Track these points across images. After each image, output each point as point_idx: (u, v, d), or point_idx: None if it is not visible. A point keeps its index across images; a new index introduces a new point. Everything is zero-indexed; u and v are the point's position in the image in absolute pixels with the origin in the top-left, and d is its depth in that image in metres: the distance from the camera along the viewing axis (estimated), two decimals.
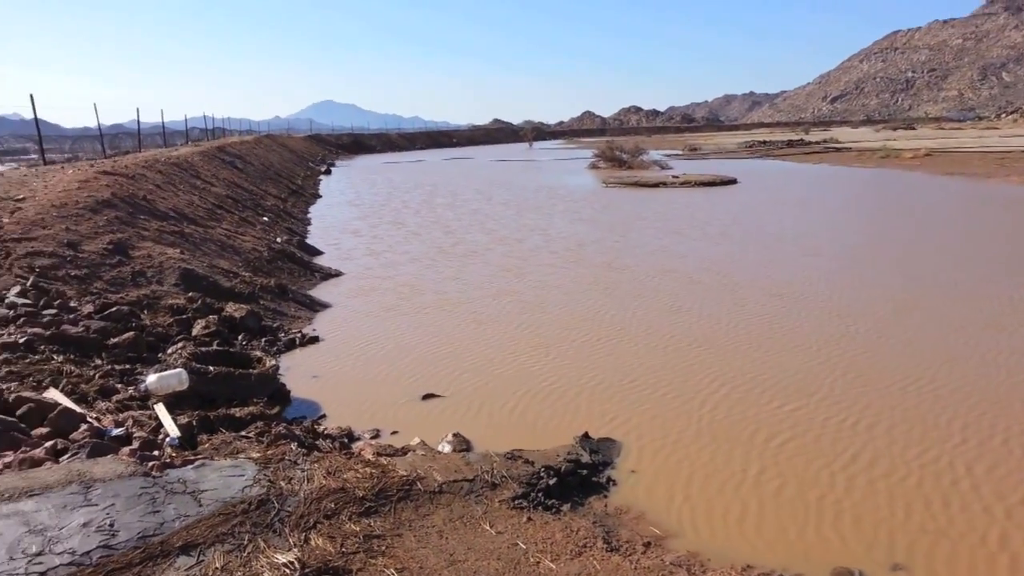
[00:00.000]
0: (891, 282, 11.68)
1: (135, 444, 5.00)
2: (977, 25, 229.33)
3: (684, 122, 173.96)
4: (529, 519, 4.48)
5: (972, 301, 10.32)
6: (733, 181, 30.45)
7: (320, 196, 30.73)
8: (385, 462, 4.93)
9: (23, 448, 4.66)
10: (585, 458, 5.58)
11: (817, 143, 60.43)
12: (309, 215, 23.68)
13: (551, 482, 5.06)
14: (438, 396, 7.27)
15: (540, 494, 4.87)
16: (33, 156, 28.16)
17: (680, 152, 58.64)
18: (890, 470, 5.49)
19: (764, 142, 65.85)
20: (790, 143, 62.11)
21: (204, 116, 49.56)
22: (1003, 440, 5.93)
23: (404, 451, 5.62)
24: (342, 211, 24.90)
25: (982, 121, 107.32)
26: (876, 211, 21.16)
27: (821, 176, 34.32)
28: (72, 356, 6.88)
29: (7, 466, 4.34)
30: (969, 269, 12.40)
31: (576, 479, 5.26)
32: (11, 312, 7.54)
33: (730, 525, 4.83)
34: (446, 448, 5.83)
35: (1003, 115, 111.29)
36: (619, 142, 48.95)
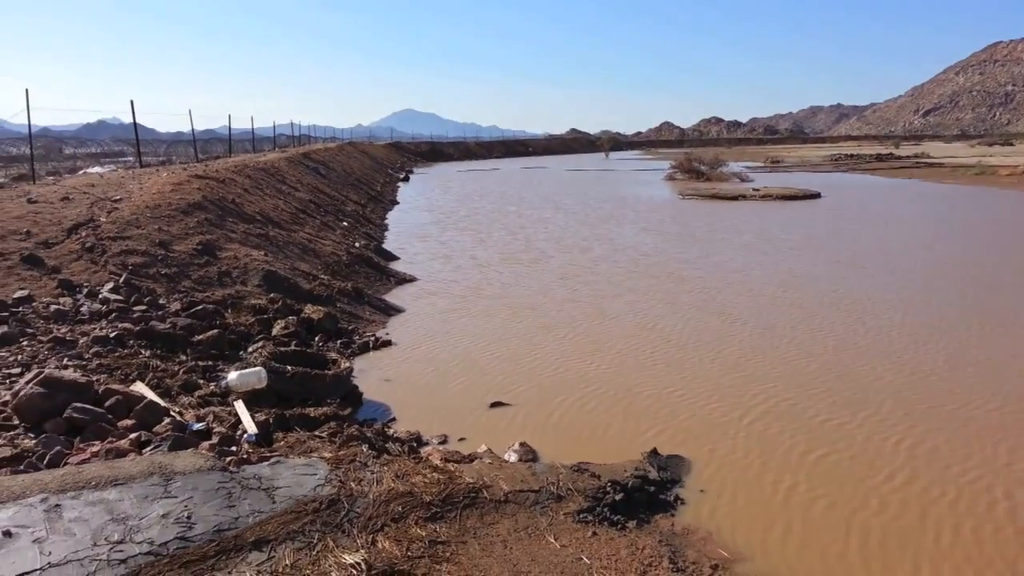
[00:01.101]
0: (964, 303, 11.26)
1: (214, 439, 5.17)
2: None
3: (767, 134, 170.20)
4: (594, 534, 4.44)
5: None
6: (817, 195, 29.59)
7: (397, 202, 31.30)
8: (452, 468, 4.96)
9: (109, 439, 4.88)
10: (653, 475, 5.49)
11: (907, 158, 58.18)
12: (386, 221, 24.15)
13: (617, 497, 4.99)
14: (505, 404, 7.28)
15: (606, 509, 4.82)
16: (130, 159, 29.62)
17: (762, 164, 57.36)
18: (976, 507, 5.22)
19: (851, 156, 63.79)
20: (879, 157, 60.00)
21: (291, 123, 51.25)
22: None
23: (471, 458, 5.65)
24: (418, 217, 25.30)
25: None
26: (963, 230, 20.19)
27: (910, 192, 33.02)
28: (158, 351, 7.20)
29: (94, 455, 4.56)
30: None
31: (643, 496, 5.18)
32: (104, 307, 7.94)
33: (802, 551, 4.67)
34: (512, 457, 5.83)
35: None
36: (697, 153, 48.25)
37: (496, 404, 7.28)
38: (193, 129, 30.16)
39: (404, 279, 13.76)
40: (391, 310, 11.35)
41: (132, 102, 21.72)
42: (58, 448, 4.61)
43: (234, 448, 5.10)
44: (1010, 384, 7.72)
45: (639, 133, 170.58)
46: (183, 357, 7.33)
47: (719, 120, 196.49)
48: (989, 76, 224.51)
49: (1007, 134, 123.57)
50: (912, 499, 5.32)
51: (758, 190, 31.12)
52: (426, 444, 6.28)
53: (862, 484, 5.53)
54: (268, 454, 4.91)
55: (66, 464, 4.39)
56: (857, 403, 7.16)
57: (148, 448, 4.81)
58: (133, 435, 4.95)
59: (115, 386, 5.73)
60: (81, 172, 21.76)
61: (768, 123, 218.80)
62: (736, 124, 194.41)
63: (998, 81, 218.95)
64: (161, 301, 8.67)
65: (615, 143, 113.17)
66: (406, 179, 46.14)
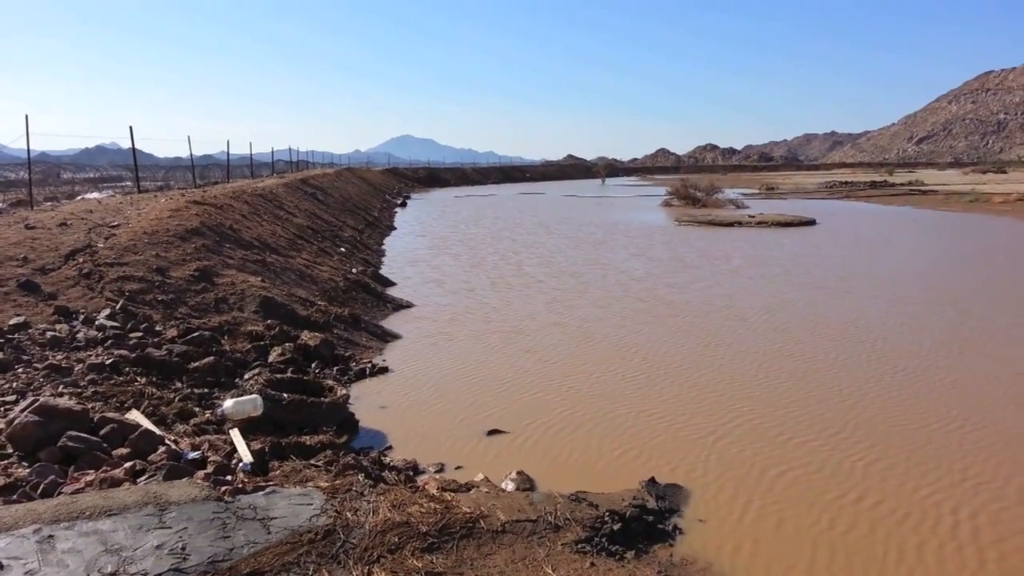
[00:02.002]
0: (941, 329, 11.41)
1: (210, 468, 5.14)
2: None
3: (762, 161, 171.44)
4: (592, 564, 4.40)
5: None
6: (812, 222, 29.75)
7: (395, 228, 31.40)
8: (449, 498, 4.93)
9: (104, 468, 4.85)
10: (651, 504, 5.46)
11: (901, 185, 58.57)
12: (384, 246, 24.19)
13: (616, 527, 4.96)
14: (503, 432, 7.25)
15: (604, 539, 4.78)
16: (128, 184, 29.69)
17: (757, 191, 57.71)
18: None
19: (845, 183, 64.17)
20: (873, 184, 60.34)
21: (289, 149, 51.52)
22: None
23: (468, 487, 5.62)
24: (415, 243, 25.37)
25: None
26: (953, 257, 20.33)
27: (903, 219, 33.20)
28: (154, 379, 7.17)
29: (89, 484, 4.52)
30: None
31: (641, 525, 5.15)
32: (100, 334, 7.92)
33: None
34: (510, 486, 5.80)
35: None
36: (693, 180, 48.52)
37: (493, 432, 7.25)
38: (192, 154, 30.33)
39: (401, 305, 13.76)
40: (388, 336, 11.33)
41: (131, 128, 21.85)
42: (52, 477, 4.58)
43: (229, 477, 5.06)
44: (972, 406, 7.88)
45: (635, 159, 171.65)
46: (179, 384, 7.30)
47: (714, 147, 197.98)
48: (981, 104, 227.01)
49: (1000, 161, 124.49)
50: (909, 534, 5.30)
51: (753, 217, 31.29)
52: (423, 473, 6.25)
53: (879, 515, 5.51)
54: (264, 483, 4.88)
55: (60, 494, 4.35)
56: (865, 437, 7.15)
57: (143, 477, 4.78)
58: (128, 464, 4.92)
59: (110, 414, 5.70)
60: (79, 197, 21.81)
61: (763, 150, 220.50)
62: (731, 151, 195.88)
63: (990, 109, 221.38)
64: (158, 327, 8.65)
65: (611, 169, 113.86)
66: (403, 204, 46.32)
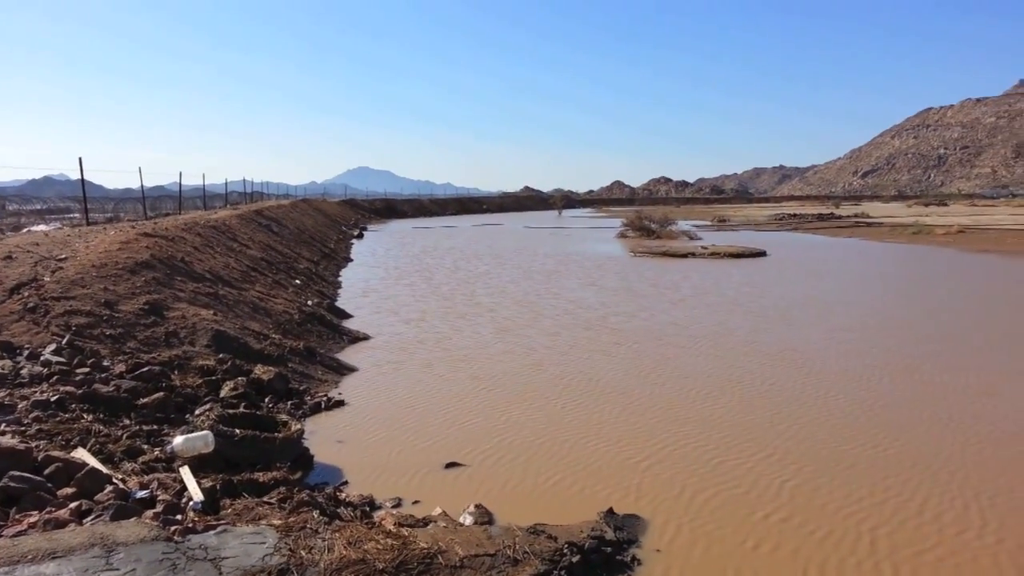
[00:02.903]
0: (878, 355, 11.81)
1: (159, 507, 5.00)
2: (1010, 104, 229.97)
3: (713, 193, 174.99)
4: None
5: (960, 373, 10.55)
6: (762, 253, 30.39)
7: (351, 259, 31.19)
8: (406, 533, 4.87)
9: (48, 508, 4.69)
10: (610, 535, 5.47)
11: (848, 217, 60.30)
12: (340, 278, 23.99)
13: (574, 559, 4.95)
14: (461, 465, 7.21)
15: (563, 572, 4.77)
16: (76, 216, 29.02)
17: (709, 223, 58.81)
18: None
19: (794, 215, 65.82)
20: (820, 217, 62.03)
21: (244, 180, 50.98)
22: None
23: (426, 522, 5.56)
24: (371, 274, 25.22)
25: (1016, 199, 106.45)
26: (895, 286, 20.96)
27: (850, 250, 34.10)
28: (102, 415, 6.97)
29: (32, 526, 4.37)
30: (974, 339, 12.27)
31: (600, 557, 5.15)
32: (45, 370, 7.70)
33: None
34: (468, 520, 5.75)
35: None
36: (648, 212, 49.31)
37: (451, 464, 7.20)
38: (143, 185, 29.78)
39: (357, 337, 13.64)
40: (344, 369, 11.21)
41: (80, 159, 21.42)
42: None
43: (179, 516, 4.93)
44: (897, 427, 8.20)
45: (591, 191, 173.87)
46: (127, 421, 7.12)
47: (668, 180, 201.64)
48: (923, 140, 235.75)
49: (941, 195, 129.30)
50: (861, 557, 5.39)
51: (706, 248, 31.85)
52: (379, 508, 6.16)
53: (830, 543, 5.59)
54: (215, 522, 4.76)
55: (1, 536, 4.19)
56: (811, 460, 7.27)
57: (89, 518, 4.63)
58: (73, 504, 4.76)
59: (55, 453, 5.52)
60: (25, 230, 21.24)
61: (714, 183, 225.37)
62: (684, 184, 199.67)
63: (931, 144, 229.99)
64: (105, 363, 8.43)
65: (568, 201, 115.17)
66: (360, 236, 46.08)
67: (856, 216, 61.48)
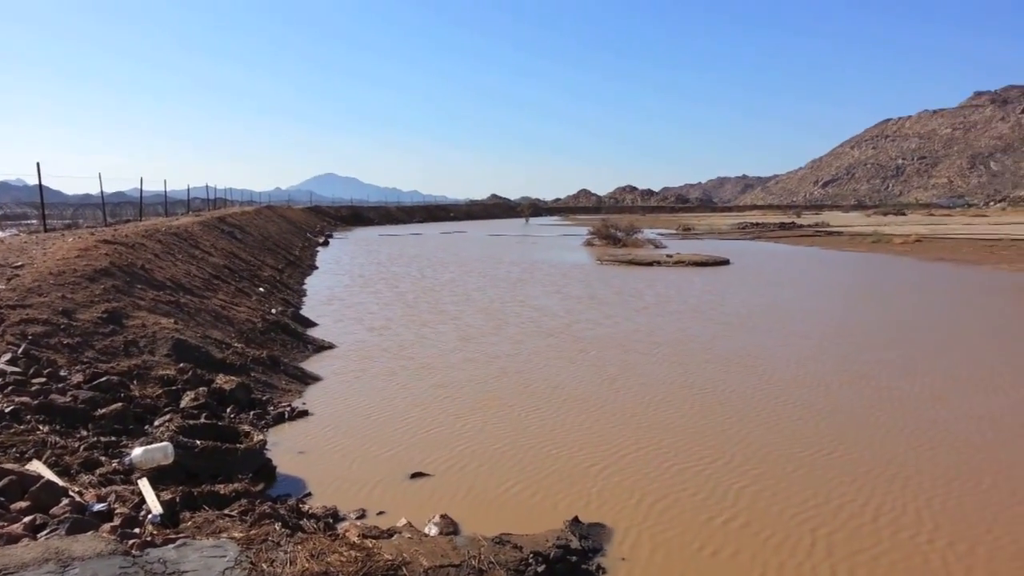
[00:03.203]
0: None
1: (117, 520, 4.90)
2: (965, 116, 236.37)
3: (678, 202, 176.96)
4: None
5: (915, 377, 10.93)
6: (726, 262, 30.79)
7: (316, 267, 30.94)
8: (371, 545, 4.83)
9: (0, 523, 4.57)
10: (575, 544, 5.48)
11: (809, 226, 61.36)
12: (305, 286, 23.77)
13: (540, 569, 4.96)
14: (426, 475, 7.18)
15: None
16: (33, 222, 28.38)
17: (674, 231, 59.45)
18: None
19: (757, 224, 66.84)
20: (782, 225, 63.04)
21: (206, 186, 50.27)
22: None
23: (390, 533, 5.52)
24: (336, 282, 25.03)
25: (971, 208, 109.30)
26: (857, 295, 21.38)
27: (811, 259, 34.72)
28: (58, 427, 6.81)
29: None
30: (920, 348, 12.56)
31: (565, 566, 5.16)
32: (0, 380, 7.50)
33: None
34: (433, 530, 5.73)
35: (991, 203, 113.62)
36: (614, 220, 49.68)
37: (416, 475, 7.17)
38: (102, 191, 29.21)
39: (322, 346, 13.52)
40: (308, 378, 11.10)
41: (38, 164, 20.95)
42: None
43: (138, 530, 4.84)
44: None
45: (558, 199, 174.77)
46: (85, 433, 6.96)
47: (634, 188, 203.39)
48: (881, 150, 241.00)
49: (900, 204, 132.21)
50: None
51: (671, 256, 32.18)
52: (343, 519, 6.11)
53: (790, 548, 5.66)
54: (174, 535, 4.68)
55: None
56: (767, 462, 7.37)
57: (44, 532, 4.52)
58: (28, 518, 4.64)
59: (9, 465, 5.38)
60: None
61: (679, 192, 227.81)
62: (650, 192, 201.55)
63: (889, 155, 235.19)
64: (63, 373, 8.24)
65: (535, 209, 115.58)
66: (326, 243, 45.73)
67: (817, 225, 62.59)
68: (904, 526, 6.03)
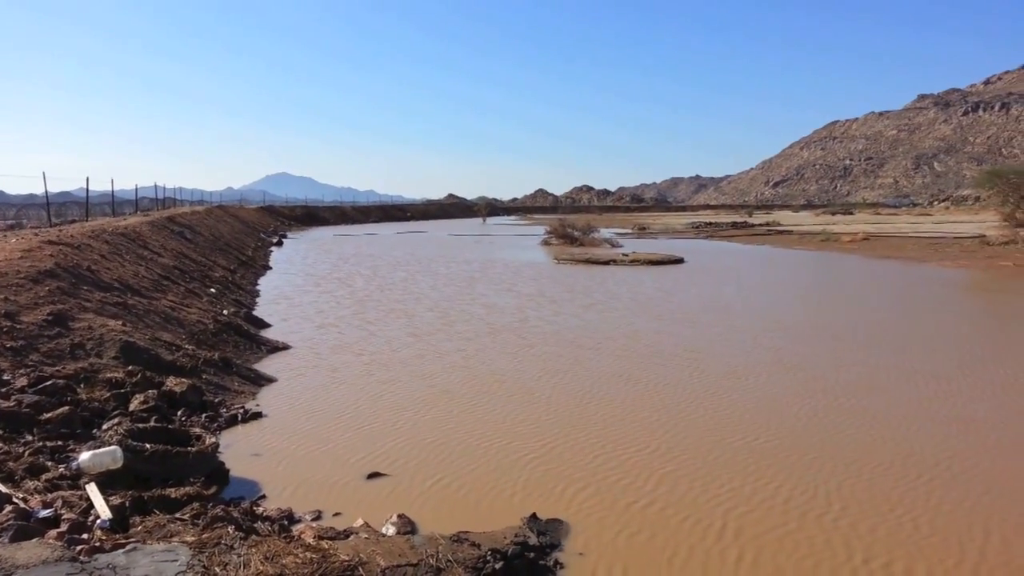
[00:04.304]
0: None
1: (63, 526, 4.78)
2: (910, 118, 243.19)
3: (634, 202, 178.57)
4: None
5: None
6: (680, 260, 31.18)
7: (270, 267, 30.50)
8: (326, 546, 4.79)
9: None
10: (533, 540, 5.50)
11: (760, 225, 62.50)
12: (258, 287, 23.41)
13: (497, 566, 4.96)
14: (383, 475, 7.13)
15: None
16: None
17: (630, 231, 59.97)
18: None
19: (710, 223, 67.79)
20: (735, 225, 64.08)
21: (155, 186, 49.17)
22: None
23: (347, 534, 5.48)
24: (290, 282, 24.72)
25: (916, 208, 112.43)
26: (801, 291, 21.96)
27: (764, 257, 35.37)
28: (2, 432, 6.62)
29: None
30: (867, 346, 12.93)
31: (523, 562, 5.18)
32: None
33: None
34: (390, 530, 5.70)
35: (935, 202, 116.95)
36: (571, 220, 49.92)
37: (374, 475, 7.11)
38: (47, 191, 28.38)
39: (276, 347, 13.32)
40: (262, 380, 10.94)
41: None
42: None
43: (86, 535, 4.72)
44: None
45: (515, 199, 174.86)
46: (30, 437, 6.77)
47: (590, 188, 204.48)
48: (829, 151, 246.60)
49: (848, 203, 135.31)
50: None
51: (627, 255, 32.47)
52: (298, 521, 6.04)
53: (756, 541, 5.77)
54: (124, 540, 4.58)
55: None
56: (732, 457, 7.50)
57: None
58: None
59: None
60: None
61: (635, 192, 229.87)
62: (606, 192, 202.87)
63: (837, 156, 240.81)
64: (6, 377, 7.99)
65: (492, 208, 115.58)
66: (279, 243, 45.10)
67: (768, 224, 63.79)
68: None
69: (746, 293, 21.08)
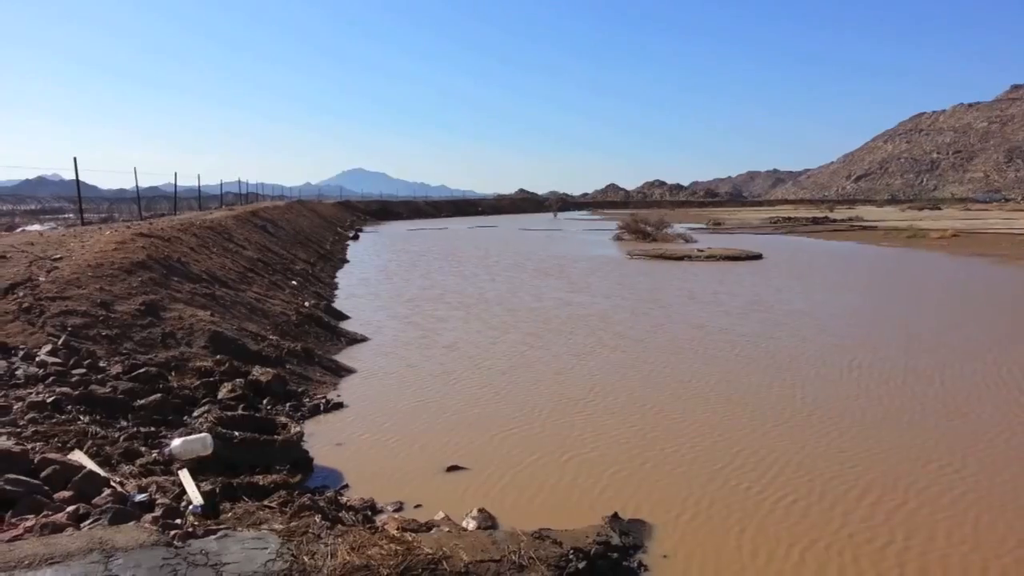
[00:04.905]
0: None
1: (158, 511, 4.91)
2: (1002, 109, 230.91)
3: (708, 197, 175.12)
4: None
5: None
6: (759, 256, 30.39)
7: (348, 261, 31.08)
8: (410, 538, 4.79)
9: (45, 512, 4.60)
10: (615, 540, 5.40)
11: (842, 221, 60.38)
12: (336, 279, 23.89)
13: (580, 565, 4.88)
14: (462, 468, 7.13)
15: None
16: (70, 216, 28.87)
17: (704, 226, 58.85)
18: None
19: (788, 218, 65.84)
20: (815, 220, 62.10)
21: (239, 181, 50.80)
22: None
23: (429, 527, 5.48)
24: (368, 275, 25.13)
25: (1009, 203, 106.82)
26: (890, 289, 20.99)
27: (847, 254, 34.14)
28: (98, 417, 6.87)
29: (28, 531, 4.27)
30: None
31: (606, 563, 5.08)
32: (41, 371, 7.59)
33: None
34: (471, 524, 5.68)
35: None
36: (643, 215, 49.32)
37: (453, 468, 7.12)
38: (137, 186, 29.63)
39: (355, 339, 13.54)
40: (342, 371, 11.12)
41: (75, 159, 21.32)
42: None
43: (179, 520, 4.84)
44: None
45: (586, 194, 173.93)
46: (124, 423, 7.02)
47: (662, 183, 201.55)
48: (915, 144, 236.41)
49: (935, 199, 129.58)
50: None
51: (703, 251, 31.82)
52: (381, 512, 6.08)
53: (833, 545, 5.54)
54: (215, 527, 4.68)
55: None
56: (815, 461, 7.23)
57: (87, 522, 4.53)
58: (71, 508, 4.67)
59: (52, 455, 5.43)
60: (20, 229, 21.11)
61: (709, 186, 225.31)
62: (678, 187, 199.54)
63: (924, 149, 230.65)
64: (102, 364, 8.32)
65: (563, 203, 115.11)
66: (356, 237, 45.97)
67: (851, 220, 61.59)
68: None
69: (837, 293, 20.27)
